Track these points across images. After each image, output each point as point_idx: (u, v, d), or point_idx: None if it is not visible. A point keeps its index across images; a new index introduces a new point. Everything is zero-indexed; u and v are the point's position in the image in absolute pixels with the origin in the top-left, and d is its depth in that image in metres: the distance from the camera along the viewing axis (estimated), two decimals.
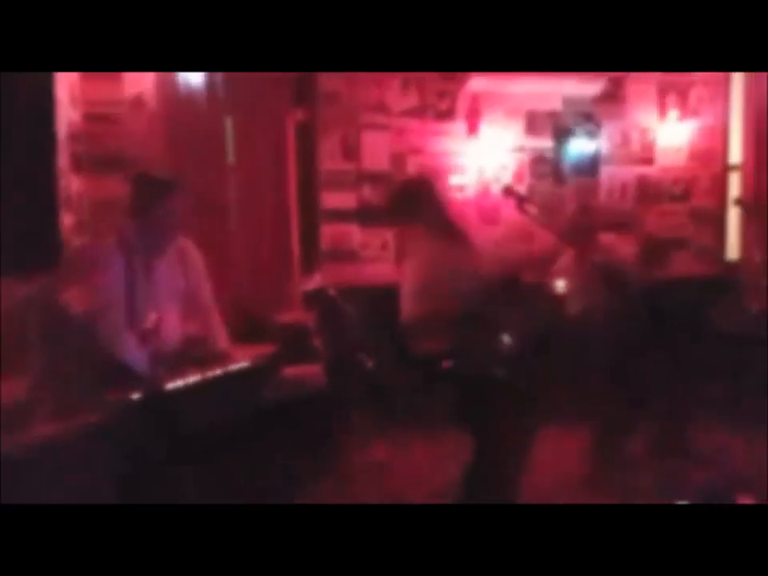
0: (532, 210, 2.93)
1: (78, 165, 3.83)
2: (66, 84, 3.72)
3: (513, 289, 2.73)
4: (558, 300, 3.10)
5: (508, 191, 3.06)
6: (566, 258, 3.57)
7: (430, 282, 2.70)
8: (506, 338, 2.63)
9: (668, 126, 4.74)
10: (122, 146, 3.99)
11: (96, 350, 2.33)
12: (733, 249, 4.78)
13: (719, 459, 3.17)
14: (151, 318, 2.43)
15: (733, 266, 4.65)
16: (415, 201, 2.80)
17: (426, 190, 2.86)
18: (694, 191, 4.81)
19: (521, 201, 2.94)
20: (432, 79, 4.44)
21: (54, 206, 1.89)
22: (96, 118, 3.97)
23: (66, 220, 3.60)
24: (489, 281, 2.66)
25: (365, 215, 4.41)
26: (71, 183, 3.75)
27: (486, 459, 2.59)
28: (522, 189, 4.49)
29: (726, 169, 4.83)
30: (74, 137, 3.81)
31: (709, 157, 4.80)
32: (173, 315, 2.55)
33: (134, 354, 2.33)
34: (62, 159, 3.63)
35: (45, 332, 2.59)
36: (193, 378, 2.23)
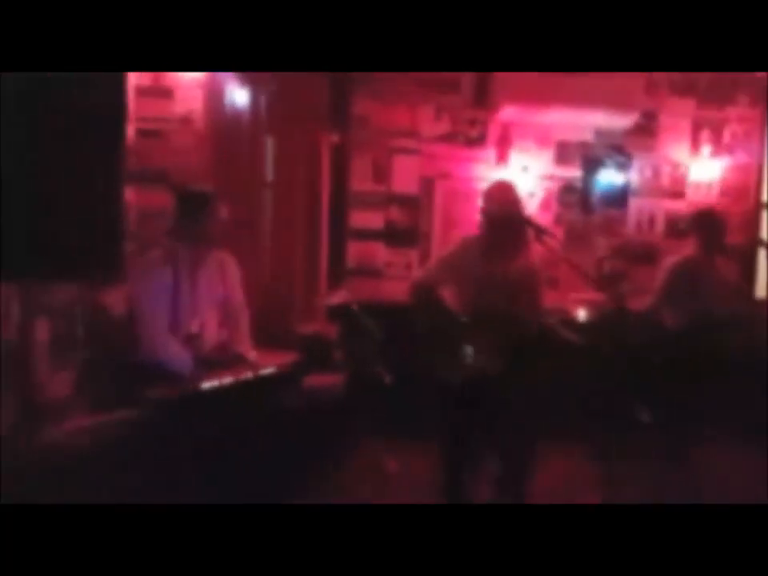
0: (550, 241, 2.79)
1: (128, 177, 4.12)
2: None
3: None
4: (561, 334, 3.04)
5: (527, 221, 2.85)
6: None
7: (454, 259, 2.85)
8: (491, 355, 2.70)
9: (700, 162, 4.76)
10: (170, 160, 4.28)
11: (135, 351, 2.52)
12: (762, 286, 4.73)
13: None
14: (196, 323, 2.64)
15: (760, 304, 4.60)
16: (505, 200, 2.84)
17: (510, 196, 2.86)
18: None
19: (539, 232, 2.77)
20: (464, 107, 4.60)
21: (119, 219, 1.95)
22: (147, 134, 4.27)
23: None
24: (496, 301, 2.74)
25: (391, 235, 4.59)
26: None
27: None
28: (544, 220, 4.61)
29: (759, 206, 4.80)
30: (127, 150, 4.12)
31: (741, 194, 4.78)
32: (212, 321, 2.77)
33: (178, 356, 2.50)
34: None
35: (89, 331, 2.81)
36: (223, 380, 2.41)
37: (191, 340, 2.56)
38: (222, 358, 2.69)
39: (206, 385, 2.34)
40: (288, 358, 3.21)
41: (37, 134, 1.58)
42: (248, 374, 2.50)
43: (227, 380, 2.40)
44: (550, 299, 4.10)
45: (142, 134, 4.27)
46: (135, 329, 2.52)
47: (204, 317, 2.71)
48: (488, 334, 2.71)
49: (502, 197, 2.83)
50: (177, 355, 2.50)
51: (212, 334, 2.76)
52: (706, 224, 3.77)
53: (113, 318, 2.95)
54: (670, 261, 3.96)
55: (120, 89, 1.90)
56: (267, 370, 2.59)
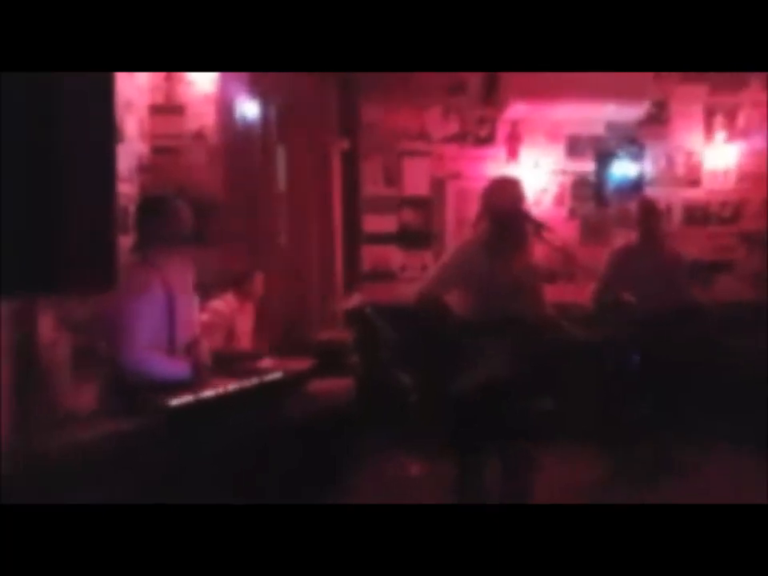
0: (549, 237, 2.72)
1: (142, 192, 4.23)
2: (135, 119, 4.15)
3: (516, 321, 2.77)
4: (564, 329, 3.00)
5: (526, 217, 2.75)
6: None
7: (457, 262, 2.81)
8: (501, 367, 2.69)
9: (715, 148, 4.69)
10: (186, 175, 4.38)
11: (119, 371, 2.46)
12: None
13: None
14: (193, 330, 2.68)
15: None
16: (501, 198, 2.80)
17: (514, 192, 2.82)
18: (744, 214, 4.72)
19: (537, 228, 2.70)
20: (472, 106, 4.62)
21: (112, 228, 1.94)
22: (162, 151, 4.38)
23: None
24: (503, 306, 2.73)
25: (405, 238, 4.62)
26: None
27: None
28: (558, 214, 4.60)
29: None
30: (143, 168, 4.23)
31: (759, 179, 4.69)
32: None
33: (167, 367, 2.48)
34: (132, 188, 4.05)
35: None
36: (225, 388, 2.45)
37: (191, 348, 2.55)
38: (225, 364, 2.72)
39: (210, 392, 2.37)
40: (303, 364, 3.26)
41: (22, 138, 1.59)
42: (254, 381, 2.53)
43: (232, 387, 2.43)
44: (566, 294, 4.11)
45: (157, 150, 4.38)
46: (116, 347, 2.44)
47: (198, 323, 2.73)
48: (499, 338, 2.70)
49: (507, 193, 2.80)
50: (166, 367, 2.46)
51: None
52: (641, 215, 3.79)
53: None
54: (613, 246, 4.01)
55: (109, 97, 1.88)
56: (273, 376, 2.63)
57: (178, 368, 2.52)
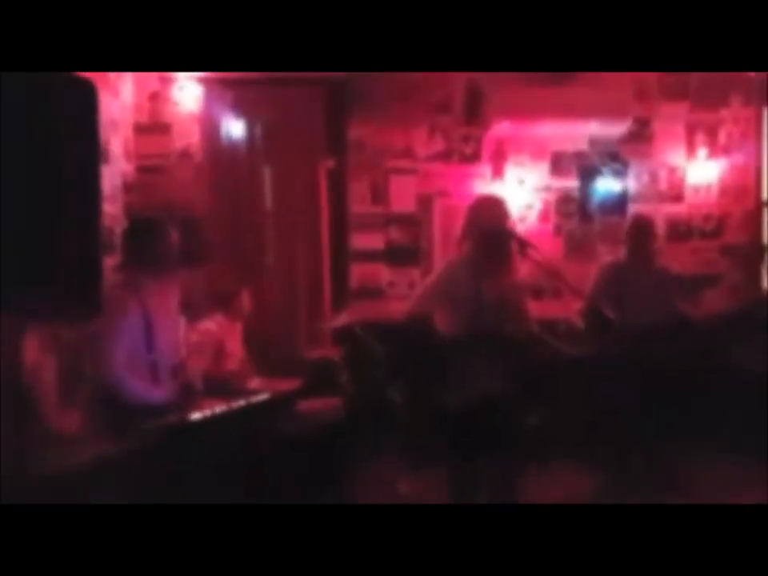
0: (534, 254, 2.73)
1: (131, 213, 4.21)
2: (120, 139, 4.14)
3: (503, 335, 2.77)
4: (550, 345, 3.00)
5: (512, 235, 2.76)
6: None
7: (441, 283, 2.83)
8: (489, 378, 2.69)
9: (697, 164, 4.75)
10: (171, 194, 4.37)
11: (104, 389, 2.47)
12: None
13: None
14: (178, 352, 2.66)
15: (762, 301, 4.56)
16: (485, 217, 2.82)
17: (498, 211, 2.83)
18: (726, 228, 4.79)
19: (522, 245, 2.71)
20: (457, 125, 4.66)
21: (97, 254, 1.93)
22: (148, 170, 4.37)
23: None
24: (489, 321, 2.74)
25: (392, 255, 4.63)
26: None
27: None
28: (543, 231, 4.64)
29: (760, 205, 4.79)
30: (128, 187, 4.22)
31: (741, 194, 4.77)
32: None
33: (141, 392, 2.46)
34: (117, 208, 4.03)
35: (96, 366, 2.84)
36: (213, 410, 2.44)
37: (177, 370, 2.55)
38: (215, 386, 2.73)
39: (198, 414, 2.36)
40: (291, 384, 3.24)
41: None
42: (240, 402, 2.52)
43: (219, 409, 2.42)
44: (553, 310, 4.13)
45: (143, 170, 4.37)
46: (100, 368, 2.46)
47: (184, 345, 2.72)
48: (486, 356, 2.71)
49: (491, 212, 2.82)
50: (141, 391, 2.45)
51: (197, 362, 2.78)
52: (633, 231, 3.81)
53: None
54: (601, 261, 4.02)
55: (93, 132, 1.88)
56: (261, 397, 2.62)
57: (154, 393, 2.50)
